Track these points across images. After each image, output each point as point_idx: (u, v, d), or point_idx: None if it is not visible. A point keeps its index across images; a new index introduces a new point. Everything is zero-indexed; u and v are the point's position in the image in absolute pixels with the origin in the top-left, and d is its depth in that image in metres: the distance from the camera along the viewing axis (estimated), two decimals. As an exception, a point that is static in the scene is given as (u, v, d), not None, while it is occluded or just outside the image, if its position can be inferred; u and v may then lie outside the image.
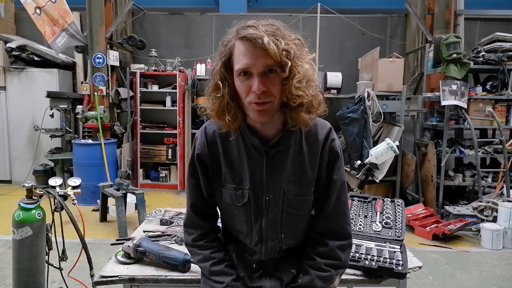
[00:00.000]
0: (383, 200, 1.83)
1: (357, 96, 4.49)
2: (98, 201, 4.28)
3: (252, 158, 1.12)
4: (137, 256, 1.45)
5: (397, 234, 1.63)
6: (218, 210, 1.27)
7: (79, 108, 5.26)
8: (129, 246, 1.44)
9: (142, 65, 5.69)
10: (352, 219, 1.72)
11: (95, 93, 5.18)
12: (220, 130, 1.13)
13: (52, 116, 5.24)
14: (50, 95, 5.16)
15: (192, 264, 1.40)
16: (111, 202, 4.15)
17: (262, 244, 1.18)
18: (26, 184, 1.85)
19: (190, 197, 1.24)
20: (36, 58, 5.70)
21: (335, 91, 5.39)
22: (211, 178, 1.19)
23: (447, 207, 4.28)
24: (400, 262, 1.42)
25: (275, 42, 0.94)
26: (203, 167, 1.19)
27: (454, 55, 4.18)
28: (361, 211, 1.77)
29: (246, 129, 1.10)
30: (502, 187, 4.25)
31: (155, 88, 5.70)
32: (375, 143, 4.22)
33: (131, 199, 4.16)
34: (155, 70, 5.68)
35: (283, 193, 1.14)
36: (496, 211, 3.87)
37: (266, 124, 1.08)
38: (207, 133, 1.18)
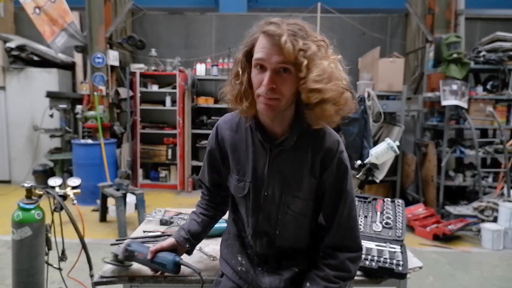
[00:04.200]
0: (384, 200, 1.82)
1: (357, 96, 4.49)
2: (98, 201, 4.27)
3: (257, 153, 1.16)
4: (126, 257, 1.34)
5: (397, 234, 1.62)
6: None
7: (78, 108, 5.26)
8: (119, 246, 1.38)
9: (141, 65, 5.69)
10: (353, 219, 1.71)
11: (95, 93, 5.17)
12: (240, 114, 1.17)
13: (51, 116, 5.23)
14: (49, 95, 5.15)
15: (182, 267, 1.31)
16: (110, 202, 4.15)
17: (257, 237, 1.21)
18: (26, 184, 1.84)
19: (203, 171, 1.36)
20: (35, 58, 5.69)
21: (335, 91, 5.37)
22: (224, 168, 1.26)
23: (447, 207, 4.27)
24: (401, 263, 1.42)
25: (292, 42, 0.96)
26: (213, 159, 1.28)
27: (455, 55, 4.17)
28: (361, 211, 1.76)
29: (254, 124, 1.14)
30: (503, 187, 4.25)
31: (155, 88, 5.70)
32: (375, 143, 4.21)
33: (130, 199, 4.15)
34: (155, 70, 5.68)
35: (281, 192, 1.15)
36: (497, 211, 3.87)
37: (275, 120, 1.10)
38: (218, 128, 1.25)
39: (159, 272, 1.30)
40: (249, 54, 1.06)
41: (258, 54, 1.01)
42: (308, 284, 1.13)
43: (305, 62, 0.97)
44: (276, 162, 1.14)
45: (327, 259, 1.16)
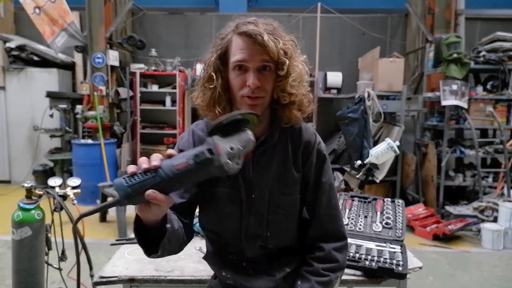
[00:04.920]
0: (384, 200, 1.82)
1: (357, 96, 4.49)
2: (98, 201, 4.27)
3: None
4: None
5: (397, 234, 1.62)
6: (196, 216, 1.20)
7: (78, 108, 5.26)
8: None
9: (142, 65, 5.68)
10: (352, 219, 1.71)
11: (95, 93, 5.17)
12: (208, 123, 1.12)
13: (51, 116, 5.24)
14: (49, 95, 5.15)
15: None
16: (111, 202, 4.15)
17: (249, 242, 1.17)
18: (26, 184, 1.84)
19: None
20: (35, 58, 5.69)
21: (335, 91, 5.38)
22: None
23: (447, 207, 4.27)
24: (401, 263, 1.42)
25: (273, 41, 0.97)
26: None
27: (455, 55, 4.17)
28: (361, 211, 1.77)
29: None
30: (503, 187, 4.25)
31: (155, 88, 5.70)
32: (375, 143, 4.21)
33: (131, 199, 4.15)
34: (155, 70, 5.68)
35: (269, 192, 1.14)
36: (497, 211, 3.87)
37: None
38: (194, 133, 1.16)
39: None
40: (223, 56, 1.04)
41: (238, 56, 1.00)
42: (299, 282, 1.13)
43: (287, 62, 1.00)
44: (259, 162, 1.12)
45: (314, 252, 1.16)
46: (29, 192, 1.85)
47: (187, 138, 1.16)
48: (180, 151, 1.06)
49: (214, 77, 1.03)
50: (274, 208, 1.15)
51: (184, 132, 1.20)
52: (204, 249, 1.55)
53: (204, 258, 1.27)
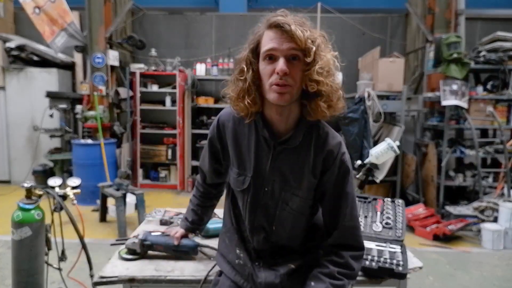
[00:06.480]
0: (384, 200, 1.82)
1: (357, 96, 4.49)
2: (98, 201, 4.27)
3: (260, 149, 1.16)
4: (144, 250, 1.46)
5: (397, 234, 1.62)
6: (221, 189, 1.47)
7: (78, 108, 5.25)
8: (134, 242, 1.46)
9: (141, 65, 5.68)
10: (353, 219, 1.71)
11: (95, 93, 5.17)
12: (239, 115, 1.16)
13: (51, 116, 5.23)
14: (49, 95, 5.15)
15: (200, 249, 1.51)
16: (110, 202, 4.14)
17: (254, 233, 1.22)
18: (25, 184, 1.83)
19: (201, 163, 1.42)
20: (35, 58, 5.68)
21: (335, 91, 5.37)
22: (223, 160, 1.30)
23: (447, 207, 4.27)
24: (401, 263, 1.42)
25: (301, 30, 1.00)
26: (213, 149, 1.31)
27: (455, 55, 4.17)
28: (361, 211, 1.76)
29: (260, 120, 1.14)
30: (503, 188, 4.25)
31: (154, 88, 5.70)
32: (375, 143, 4.21)
33: (130, 199, 4.15)
34: (154, 70, 5.68)
35: (281, 189, 1.17)
36: (497, 211, 3.86)
37: (282, 114, 1.10)
38: (220, 118, 1.25)
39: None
40: (255, 50, 1.07)
41: (268, 45, 1.02)
42: (312, 284, 1.12)
43: (314, 48, 1.01)
44: (278, 159, 1.15)
45: (330, 256, 1.16)
46: (29, 192, 1.84)
47: (213, 125, 1.28)
48: (209, 139, 1.32)
49: (245, 69, 1.07)
50: (283, 205, 1.18)
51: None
52: (204, 250, 1.55)
53: (223, 231, 1.37)
